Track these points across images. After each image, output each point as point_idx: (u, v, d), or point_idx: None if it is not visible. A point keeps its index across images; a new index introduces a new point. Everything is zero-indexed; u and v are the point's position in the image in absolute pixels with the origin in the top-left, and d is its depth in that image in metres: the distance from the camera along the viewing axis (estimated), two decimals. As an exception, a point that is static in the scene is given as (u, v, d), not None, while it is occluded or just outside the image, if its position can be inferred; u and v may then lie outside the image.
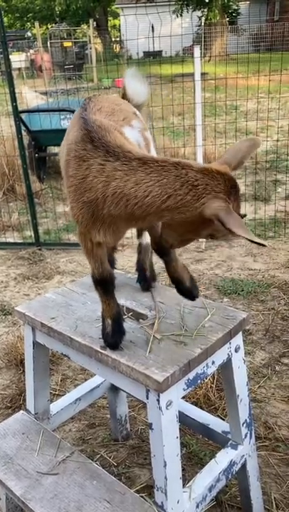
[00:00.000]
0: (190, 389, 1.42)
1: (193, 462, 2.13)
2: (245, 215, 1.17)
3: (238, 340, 1.57)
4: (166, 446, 1.34)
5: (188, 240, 1.35)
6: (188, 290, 1.53)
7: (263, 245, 1.12)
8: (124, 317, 1.58)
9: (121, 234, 1.36)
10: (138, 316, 1.60)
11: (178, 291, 1.54)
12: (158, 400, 1.31)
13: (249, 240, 1.09)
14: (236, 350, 1.56)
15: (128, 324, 1.55)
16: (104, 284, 1.43)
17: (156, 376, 1.29)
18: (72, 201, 1.26)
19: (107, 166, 1.17)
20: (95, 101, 1.41)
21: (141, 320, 1.59)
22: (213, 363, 1.48)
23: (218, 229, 1.14)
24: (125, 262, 3.91)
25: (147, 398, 1.35)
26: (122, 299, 1.69)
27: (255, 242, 1.09)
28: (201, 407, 2.26)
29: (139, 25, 4.74)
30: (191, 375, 1.40)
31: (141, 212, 1.16)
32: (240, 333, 1.57)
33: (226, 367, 1.58)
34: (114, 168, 1.16)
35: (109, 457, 2.19)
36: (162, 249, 1.47)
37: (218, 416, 2.27)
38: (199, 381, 1.45)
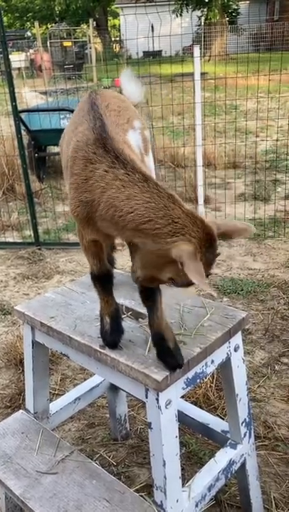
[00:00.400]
0: (189, 388, 1.42)
1: (192, 462, 2.13)
2: (210, 274, 1.15)
3: (238, 339, 1.57)
4: (166, 445, 1.34)
5: (152, 279, 1.24)
6: (170, 352, 1.32)
7: (212, 295, 1.13)
8: (124, 316, 1.58)
9: (110, 238, 1.37)
10: (137, 315, 1.60)
11: (158, 355, 1.35)
12: (157, 399, 1.31)
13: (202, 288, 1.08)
14: (235, 350, 1.56)
15: (127, 323, 1.55)
16: (103, 281, 1.43)
17: (156, 375, 1.29)
18: (72, 198, 1.28)
19: (110, 173, 1.19)
20: (102, 96, 1.41)
21: (140, 319, 1.59)
22: (212, 362, 1.48)
23: (180, 274, 1.12)
24: (125, 262, 3.91)
25: (146, 397, 1.35)
26: (122, 298, 1.69)
27: (208, 292, 1.09)
28: (201, 407, 2.26)
29: (138, 25, 4.74)
30: (190, 374, 1.40)
31: (122, 224, 1.17)
32: (240, 332, 1.57)
33: (225, 366, 1.58)
34: (116, 177, 1.17)
35: (109, 457, 2.19)
36: (147, 291, 1.37)
37: (217, 415, 2.27)
38: (198, 380, 1.45)
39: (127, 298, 1.71)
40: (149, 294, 1.36)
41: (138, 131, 1.47)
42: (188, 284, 1.14)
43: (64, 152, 1.45)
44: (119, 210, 1.16)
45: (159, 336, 1.35)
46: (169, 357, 1.33)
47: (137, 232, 1.16)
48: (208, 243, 1.12)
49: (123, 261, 3.92)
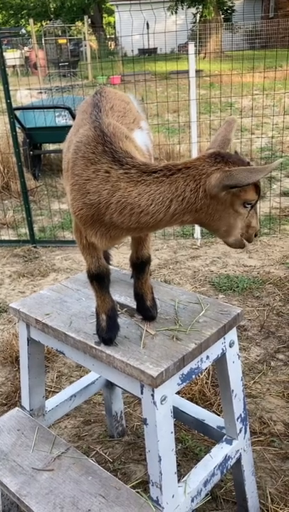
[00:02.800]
0: (184, 384, 1.42)
1: (188, 458, 2.13)
2: (248, 162, 1.22)
3: (233, 335, 1.57)
4: (161, 441, 1.34)
5: (236, 227, 1.26)
6: (147, 308, 1.55)
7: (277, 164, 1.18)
8: (118, 313, 1.59)
9: (117, 240, 1.37)
10: (132, 312, 1.60)
11: (137, 308, 1.57)
12: (152, 395, 1.32)
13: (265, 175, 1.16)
14: (230, 345, 1.57)
15: (122, 320, 1.55)
16: (100, 279, 1.44)
17: (151, 371, 1.29)
18: (74, 199, 1.27)
19: (112, 174, 1.19)
20: (106, 97, 1.41)
21: (135, 315, 1.59)
22: (207, 357, 1.48)
23: (237, 193, 1.19)
24: (121, 259, 3.91)
25: (142, 393, 1.35)
26: (117, 295, 1.69)
27: (269, 168, 1.16)
28: (197, 403, 2.26)
29: (133, 23, 4.72)
30: (185, 370, 1.40)
31: (149, 219, 1.19)
32: (235, 328, 1.57)
33: (221, 362, 1.58)
34: (118, 178, 1.18)
35: (105, 453, 2.19)
36: (138, 266, 1.53)
37: (213, 412, 2.28)
38: (194, 376, 1.45)
39: (122, 295, 1.71)
40: (141, 269, 1.53)
41: (145, 131, 1.48)
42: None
43: (65, 154, 1.44)
44: (137, 206, 1.17)
45: (139, 295, 1.56)
46: (147, 311, 1.55)
47: (172, 217, 1.19)
48: (216, 157, 1.19)
49: (119, 258, 3.93)
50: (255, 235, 1.30)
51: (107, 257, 1.83)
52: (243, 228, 1.26)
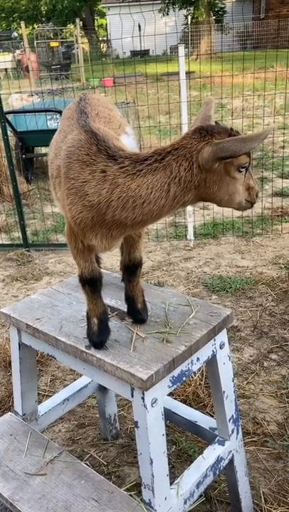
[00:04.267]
0: (175, 386, 1.43)
1: (182, 459, 2.14)
2: (231, 129, 1.23)
3: (223, 337, 1.58)
4: (152, 443, 1.35)
5: (237, 192, 1.29)
6: (137, 311, 1.56)
7: (269, 131, 1.18)
8: (109, 316, 1.59)
9: (118, 240, 1.37)
10: (123, 315, 1.61)
11: (128, 311, 1.58)
12: (143, 398, 1.32)
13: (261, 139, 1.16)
14: (221, 347, 1.57)
15: (113, 323, 1.56)
16: (93, 283, 1.45)
17: (141, 374, 1.30)
18: (71, 203, 1.27)
19: (108, 172, 1.20)
20: (91, 104, 1.43)
21: (126, 318, 1.59)
22: (198, 359, 1.49)
23: (229, 161, 1.20)
24: (114, 262, 3.92)
25: (132, 396, 1.36)
26: (107, 298, 1.69)
27: (263, 136, 1.16)
28: (190, 405, 2.27)
29: (124, 25, 4.72)
30: (175, 373, 1.41)
31: (152, 207, 1.20)
32: (225, 330, 1.58)
33: (211, 363, 1.59)
34: (115, 175, 1.20)
35: (99, 456, 2.19)
36: (130, 269, 1.54)
37: (207, 413, 2.28)
38: (184, 378, 1.46)
39: (113, 298, 1.72)
40: (132, 272, 1.54)
41: (131, 136, 1.50)
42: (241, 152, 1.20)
43: (52, 161, 1.45)
44: (139, 197, 1.19)
45: (130, 298, 1.56)
46: (137, 314, 1.56)
47: (173, 200, 1.21)
48: (201, 131, 1.21)
49: (112, 261, 3.93)
50: (256, 195, 1.33)
51: (97, 260, 1.83)
52: (244, 192, 1.29)
